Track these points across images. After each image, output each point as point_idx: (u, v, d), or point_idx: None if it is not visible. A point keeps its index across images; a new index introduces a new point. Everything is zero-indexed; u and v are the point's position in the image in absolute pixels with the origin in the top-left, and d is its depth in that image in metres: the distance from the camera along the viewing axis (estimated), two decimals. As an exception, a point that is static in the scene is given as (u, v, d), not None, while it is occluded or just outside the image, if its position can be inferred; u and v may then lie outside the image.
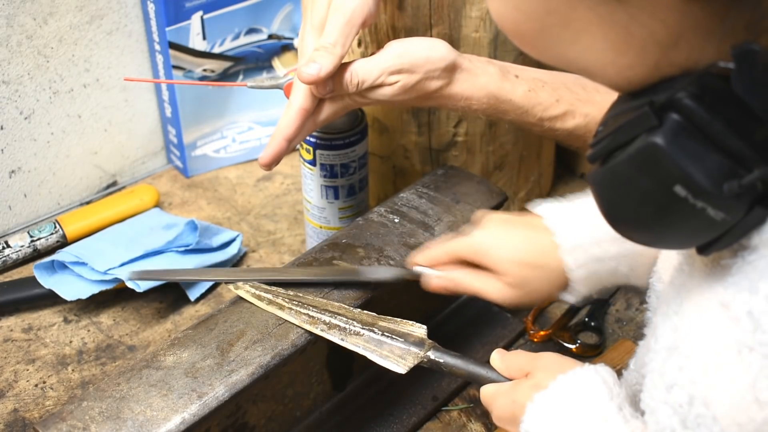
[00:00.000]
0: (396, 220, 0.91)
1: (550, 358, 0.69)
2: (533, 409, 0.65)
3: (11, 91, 1.07)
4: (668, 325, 0.56)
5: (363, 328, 0.78)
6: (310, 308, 0.79)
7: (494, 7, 0.53)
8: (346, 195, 1.02)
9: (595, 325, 1.01)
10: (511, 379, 0.71)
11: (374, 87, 0.82)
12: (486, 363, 0.74)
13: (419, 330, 0.78)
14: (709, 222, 0.48)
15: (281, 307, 0.79)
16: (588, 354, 0.98)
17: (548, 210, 0.79)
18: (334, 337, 0.78)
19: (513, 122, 0.87)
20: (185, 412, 0.70)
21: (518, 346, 1.00)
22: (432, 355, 0.76)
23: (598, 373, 0.65)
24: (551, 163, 1.20)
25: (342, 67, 0.81)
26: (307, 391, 0.85)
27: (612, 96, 0.86)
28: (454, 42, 0.99)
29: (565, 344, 0.98)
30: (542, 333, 1.00)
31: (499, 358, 0.73)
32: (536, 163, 1.16)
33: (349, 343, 0.77)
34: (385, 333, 0.78)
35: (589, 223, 0.75)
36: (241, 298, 0.81)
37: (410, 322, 0.79)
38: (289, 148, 0.83)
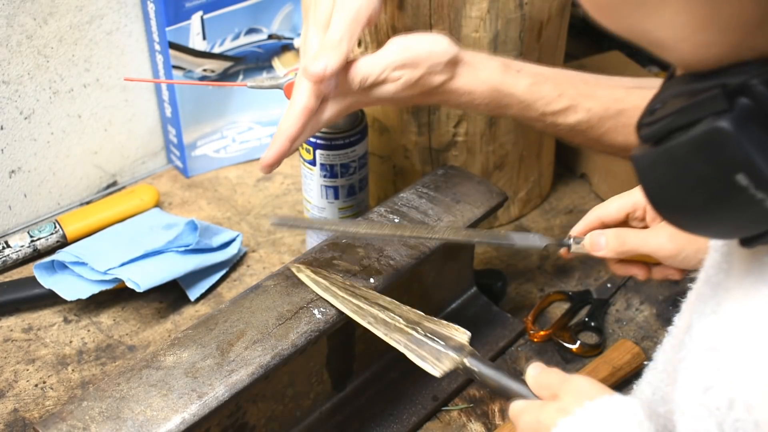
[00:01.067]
0: (396, 220, 0.91)
1: (580, 382, 0.67)
2: None
3: (11, 91, 1.07)
4: (705, 325, 0.54)
5: (407, 326, 0.79)
6: (362, 299, 0.80)
7: None
8: (346, 195, 1.02)
9: (595, 325, 1.01)
10: (539, 397, 0.69)
11: (378, 83, 0.82)
12: (519, 377, 0.73)
13: (462, 336, 0.78)
14: (764, 214, 0.47)
15: (335, 295, 0.80)
16: (588, 354, 0.98)
17: None
18: (378, 332, 0.78)
19: (515, 117, 0.87)
20: (185, 412, 0.70)
21: (518, 346, 1.00)
22: (468, 362, 0.76)
23: (626, 404, 0.62)
24: (551, 163, 1.20)
25: (345, 66, 0.81)
26: (307, 391, 0.85)
27: (614, 91, 0.86)
28: (454, 42, 0.99)
29: (565, 344, 0.98)
30: (542, 333, 1.00)
31: (533, 374, 0.71)
32: (536, 163, 1.16)
33: (392, 340, 0.78)
34: (428, 334, 0.78)
35: None
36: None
37: (455, 326, 0.79)
38: (292, 149, 0.82)
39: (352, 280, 0.82)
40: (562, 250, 0.85)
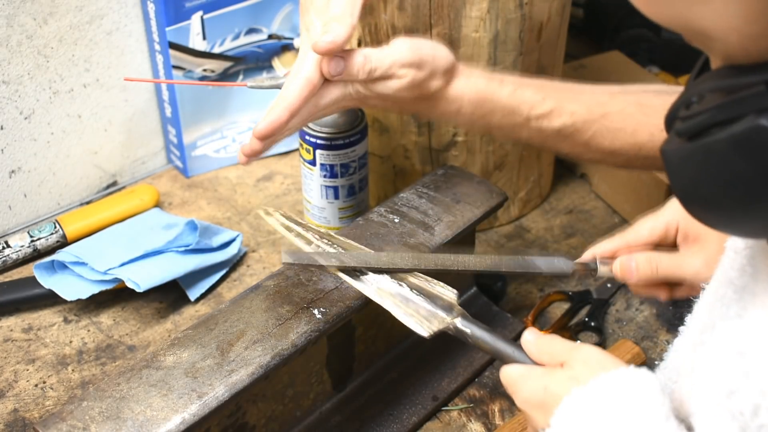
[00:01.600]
0: (396, 220, 0.91)
1: (590, 351, 0.65)
2: (570, 402, 0.61)
3: (11, 91, 1.07)
4: (730, 328, 0.54)
5: (392, 279, 0.75)
6: (340, 249, 0.77)
7: None
8: (346, 195, 1.02)
9: (595, 325, 1.01)
10: (539, 364, 0.68)
11: (384, 78, 0.81)
12: (515, 341, 0.70)
13: (450, 294, 0.75)
14: None
15: (309, 242, 0.77)
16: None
17: None
18: (361, 285, 0.74)
19: (500, 125, 0.86)
20: (185, 412, 0.70)
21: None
22: (459, 323, 0.72)
23: (643, 377, 0.61)
24: (551, 163, 1.20)
25: (354, 52, 0.81)
26: (307, 391, 0.85)
27: (599, 95, 0.86)
28: (454, 42, 0.99)
29: (565, 344, 0.98)
30: (542, 333, 0.99)
31: (532, 339, 0.69)
32: (536, 163, 1.16)
33: (375, 295, 0.74)
34: (414, 290, 0.75)
35: None
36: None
37: (441, 283, 0.75)
38: (287, 125, 0.79)
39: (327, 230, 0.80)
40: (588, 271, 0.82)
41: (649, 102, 0.86)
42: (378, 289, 0.75)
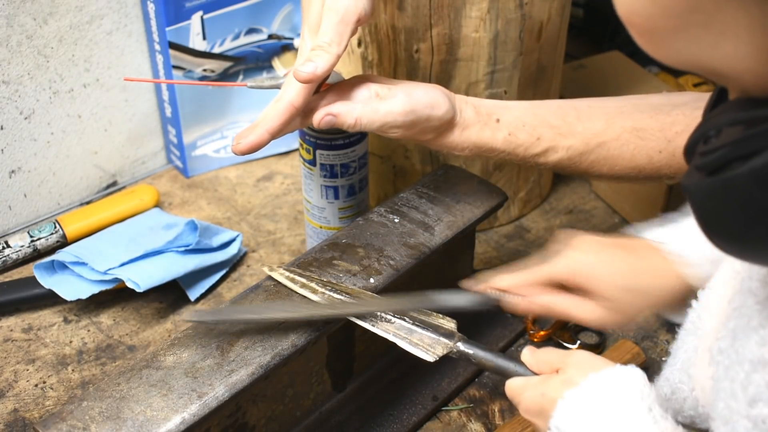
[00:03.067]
0: (396, 220, 0.91)
1: (581, 355, 0.69)
2: (564, 405, 0.65)
3: (11, 91, 1.07)
4: (752, 338, 0.54)
5: (394, 317, 0.79)
6: (343, 294, 0.80)
7: (623, 1, 0.48)
8: (346, 195, 1.02)
9: (595, 325, 1.01)
10: (539, 374, 0.72)
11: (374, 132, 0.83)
12: (515, 358, 0.75)
13: (449, 323, 0.79)
14: None
15: (314, 291, 0.80)
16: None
17: (662, 234, 0.77)
18: (365, 323, 0.78)
19: (498, 161, 0.88)
20: (185, 412, 0.70)
21: (518, 345, 1.00)
22: (461, 346, 0.77)
23: (629, 373, 0.65)
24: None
25: (346, 112, 0.81)
26: (307, 391, 0.85)
27: (594, 123, 0.86)
28: (454, 42, 0.99)
29: (565, 344, 0.98)
30: (542, 333, 1.00)
31: (529, 353, 0.73)
32: (536, 163, 1.16)
33: (380, 329, 0.78)
34: (416, 322, 0.79)
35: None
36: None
37: (441, 315, 0.80)
38: (269, 141, 0.81)
39: (339, 279, 0.82)
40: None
41: (645, 125, 0.86)
42: (380, 323, 0.79)
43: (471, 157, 0.87)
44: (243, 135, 0.80)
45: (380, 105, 0.81)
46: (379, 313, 0.79)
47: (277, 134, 0.81)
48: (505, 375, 0.74)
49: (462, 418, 0.92)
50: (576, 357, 0.69)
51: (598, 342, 0.99)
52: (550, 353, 0.72)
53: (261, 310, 0.79)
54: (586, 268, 0.77)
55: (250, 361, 0.74)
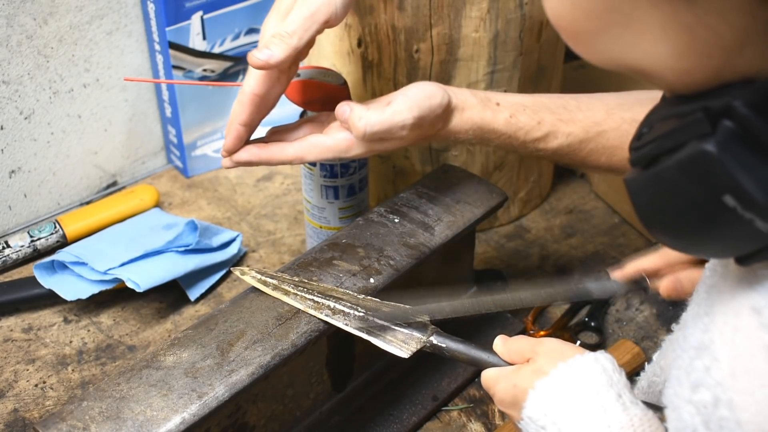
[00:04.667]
0: (396, 220, 0.91)
1: (551, 344, 0.70)
2: (535, 395, 0.66)
3: (11, 91, 1.07)
4: (698, 325, 0.55)
5: (367, 314, 0.79)
6: (315, 294, 0.80)
7: (550, 5, 0.51)
8: (346, 195, 1.02)
9: (595, 325, 1.01)
10: (512, 364, 0.72)
11: (382, 140, 0.82)
12: (488, 348, 0.75)
13: (423, 316, 0.79)
14: (755, 234, 0.47)
15: (286, 293, 0.80)
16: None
17: None
18: (338, 322, 0.78)
19: (499, 147, 0.88)
20: (185, 412, 0.70)
21: (518, 346, 1.00)
22: (435, 339, 0.77)
23: (597, 360, 0.66)
24: (551, 163, 1.20)
25: (353, 118, 0.80)
26: (307, 391, 0.85)
27: (594, 113, 0.87)
28: (454, 42, 0.99)
29: (565, 344, 0.98)
30: (542, 333, 1.00)
31: (501, 343, 0.74)
32: (536, 163, 1.16)
33: (353, 328, 0.78)
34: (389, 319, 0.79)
35: None
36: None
37: (412, 307, 0.79)
38: (250, 132, 0.83)
39: (300, 277, 0.82)
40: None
41: None
42: (353, 321, 0.79)
43: (474, 142, 0.86)
44: (224, 144, 0.83)
45: (385, 108, 0.81)
46: (351, 312, 0.79)
47: (249, 124, 0.82)
48: (480, 366, 0.75)
49: (462, 418, 0.92)
50: (546, 345, 0.70)
51: (598, 342, 0.99)
52: (520, 342, 0.72)
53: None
54: None
55: (250, 361, 0.74)
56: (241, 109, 0.82)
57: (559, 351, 0.68)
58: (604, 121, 0.86)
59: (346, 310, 0.79)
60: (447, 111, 0.83)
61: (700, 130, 0.47)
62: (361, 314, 0.79)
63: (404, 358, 0.77)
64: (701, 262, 0.78)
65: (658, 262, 0.80)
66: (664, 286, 0.79)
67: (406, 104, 0.81)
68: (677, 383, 0.56)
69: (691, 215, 0.49)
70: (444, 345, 0.77)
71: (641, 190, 0.51)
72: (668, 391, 0.57)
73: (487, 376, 0.73)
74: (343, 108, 0.81)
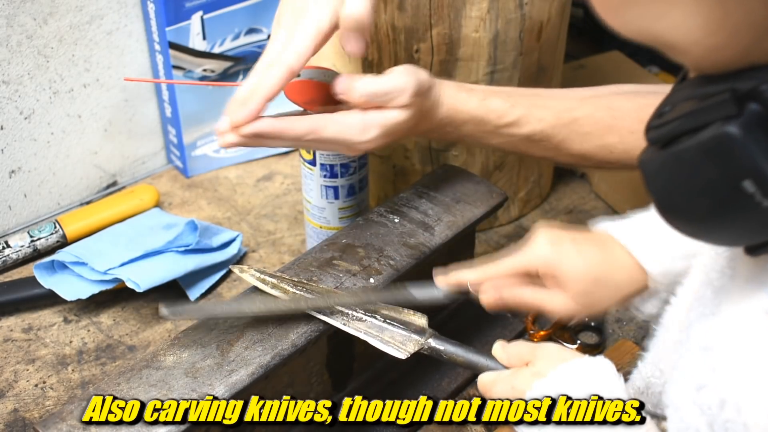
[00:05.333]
0: (396, 220, 0.91)
1: (550, 348, 0.70)
2: (533, 396, 0.65)
3: (11, 91, 1.07)
4: (704, 326, 0.55)
5: (365, 315, 0.79)
6: (314, 294, 0.80)
7: None
8: (346, 195, 1.02)
9: (595, 325, 1.01)
10: (510, 368, 0.72)
11: (384, 106, 0.82)
12: (485, 352, 0.75)
13: (420, 319, 0.79)
14: None
15: (285, 292, 0.80)
16: (588, 354, 0.98)
17: (618, 228, 0.76)
18: (336, 322, 0.78)
19: (472, 135, 0.87)
20: (185, 412, 0.70)
21: (518, 346, 1.00)
22: (433, 342, 0.77)
23: (596, 364, 0.66)
24: (551, 163, 1.20)
25: (353, 77, 0.81)
26: (307, 391, 0.85)
27: (567, 101, 0.87)
28: (454, 42, 0.99)
29: (565, 344, 0.98)
30: (542, 333, 1.00)
31: (500, 348, 0.73)
32: (536, 163, 1.16)
33: (351, 328, 0.78)
34: (387, 320, 0.79)
35: (662, 234, 0.73)
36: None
37: (412, 311, 0.80)
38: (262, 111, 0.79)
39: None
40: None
41: (620, 105, 0.86)
42: (351, 321, 0.79)
43: (449, 130, 0.86)
44: (232, 117, 0.77)
45: (380, 75, 0.81)
46: (350, 312, 0.79)
47: (272, 100, 0.78)
48: (477, 370, 0.74)
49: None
50: (545, 350, 0.69)
51: (598, 342, 0.99)
52: (520, 346, 0.72)
53: (233, 305, 0.79)
54: (558, 259, 0.75)
55: (250, 361, 0.74)
56: (274, 82, 0.77)
57: (558, 355, 0.69)
58: (577, 108, 0.86)
59: (345, 310, 0.79)
60: (430, 88, 0.83)
61: (725, 112, 0.46)
62: (359, 314, 0.79)
63: (403, 359, 0.77)
64: (527, 277, 0.77)
65: (480, 275, 0.78)
66: (485, 298, 0.78)
67: (400, 71, 0.81)
68: (680, 383, 0.55)
69: (708, 199, 0.48)
70: (442, 348, 0.77)
71: (657, 171, 0.50)
72: (671, 391, 0.57)
73: (484, 380, 0.72)
74: (341, 79, 0.81)
